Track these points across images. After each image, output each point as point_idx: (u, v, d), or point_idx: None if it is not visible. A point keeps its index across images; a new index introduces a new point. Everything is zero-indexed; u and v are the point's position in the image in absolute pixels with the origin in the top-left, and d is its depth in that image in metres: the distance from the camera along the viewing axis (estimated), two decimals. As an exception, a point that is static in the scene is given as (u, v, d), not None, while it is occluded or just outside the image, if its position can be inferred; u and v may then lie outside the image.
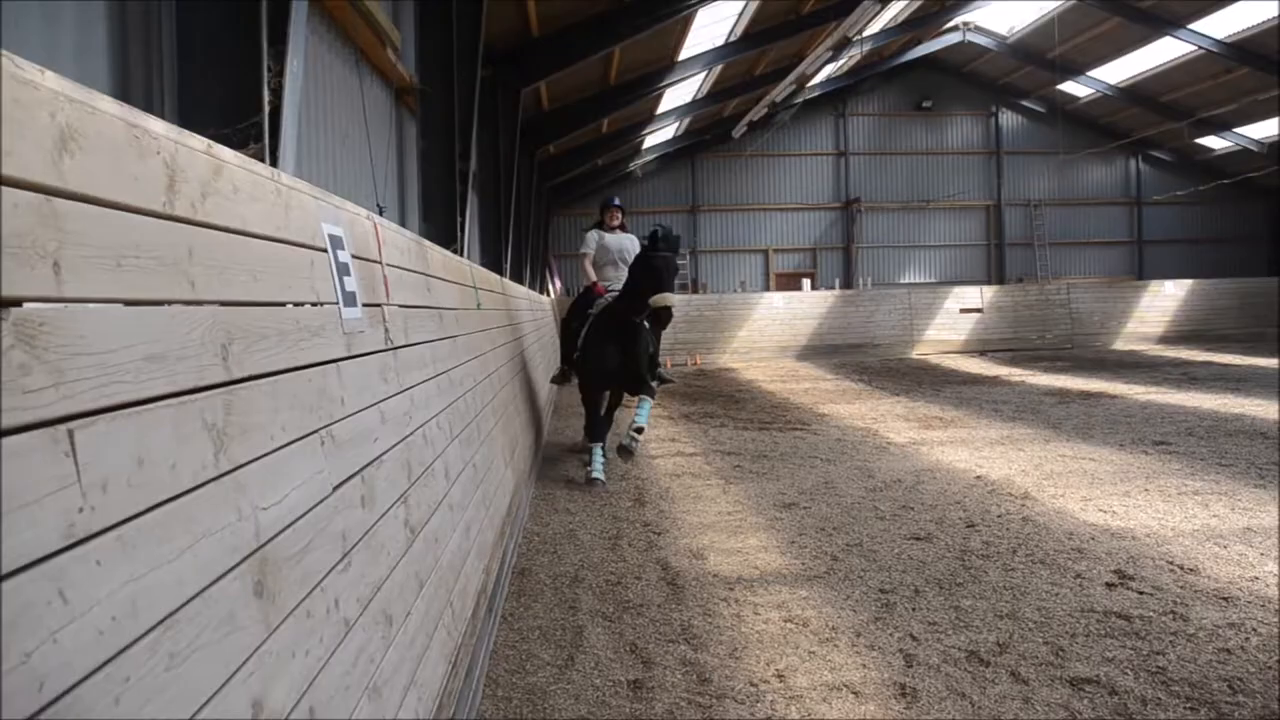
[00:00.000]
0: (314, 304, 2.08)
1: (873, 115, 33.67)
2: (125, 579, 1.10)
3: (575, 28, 14.03)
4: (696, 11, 15.41)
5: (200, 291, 1.48)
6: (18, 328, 0.99)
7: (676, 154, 31.75)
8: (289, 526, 1.65)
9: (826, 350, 22.23)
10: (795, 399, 13.24)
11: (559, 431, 10.05)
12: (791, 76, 21.16)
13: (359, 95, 8.51)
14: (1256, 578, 4.25)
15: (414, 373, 3.05)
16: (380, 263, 2.84)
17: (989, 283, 30.30)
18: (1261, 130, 29.27)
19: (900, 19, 24.44)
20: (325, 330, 2.11)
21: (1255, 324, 23.73)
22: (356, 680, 1.85)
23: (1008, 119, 34.03)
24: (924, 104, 33.36)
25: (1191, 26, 23.81)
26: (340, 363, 2.18)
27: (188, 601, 1.24)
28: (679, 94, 23.45)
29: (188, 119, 4.12)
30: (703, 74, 21.13)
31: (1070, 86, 30.22)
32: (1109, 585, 4.23)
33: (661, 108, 24.12)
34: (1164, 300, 24.09)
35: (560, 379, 8.14)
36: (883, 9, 16.09)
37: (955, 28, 28.94)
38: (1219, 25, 23.64)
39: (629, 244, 7.91)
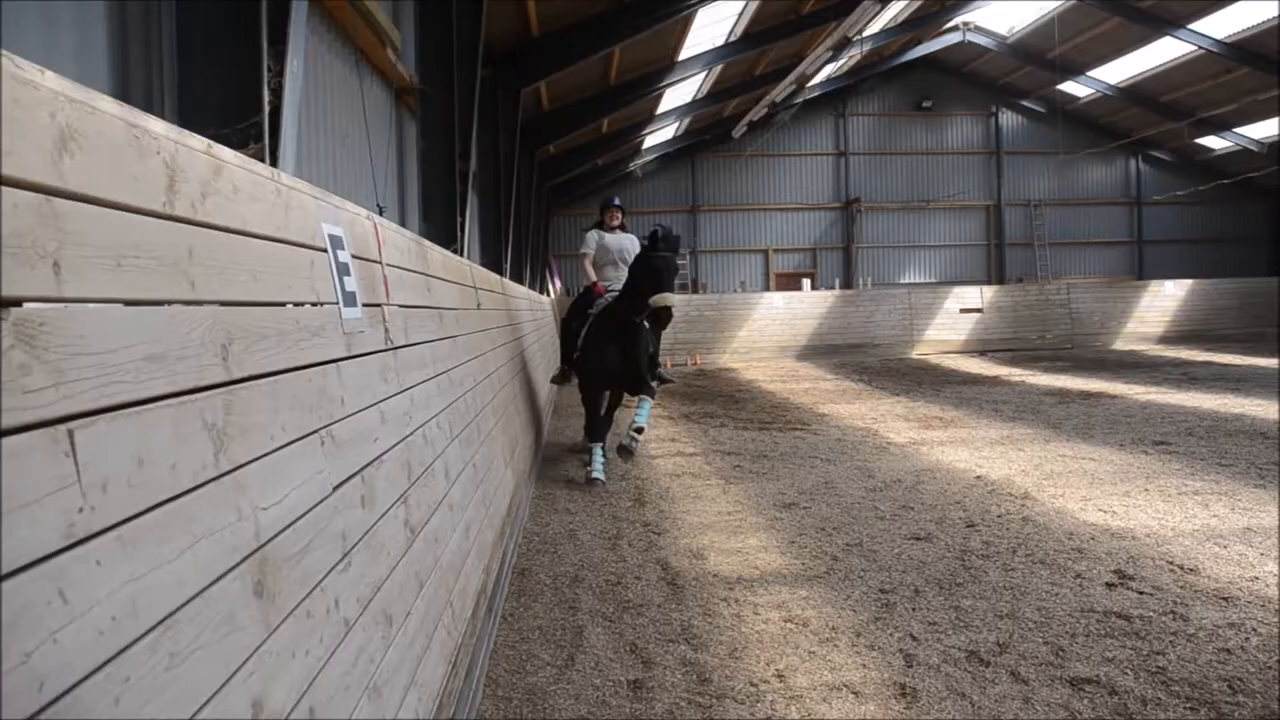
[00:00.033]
0: (314, 304, 2.08)
1: (873, 115, 33.67)
2: (125, 579, 1.10)
3: (575, 28, 14.04)
4: (696, 11, 15.41)
5: (200, 291, 1.48)
6: (18, 328, 0.99)
7: (676, 154, 31.75)
8: (289, 526, 1.65)
9: (826, 350, 22.23)
10: (795, 399, 13.24)
11: (559, 431, 10.05)
12: (791, 76, 21.17)
13: (359, 95, 8.51)
14: (1256, 578, 4.25)
15: (414, 373, 3.05)
16: (380, 263, 2.84)
17: (989, 283, 30.31)
18: (1261, 130, 29.28)
19: (900, 19, 24.44)
20: (325, 330, 2.11)
21: (1255, 324, 23.73)
22: (356, 680, 1.85)
23: (1008, 119, 34.04)
24: (924, 104, 33.36)
25: (1191, 26, 23.81)
26: (340, 363, 2.18)
27: (188, 601, 1.24)
28: (679, 94, 23.45)
29: (188, 119, 4.12)
30: (703, 74, 21.13)
31: (1070, 86, 30.22)
32: (1109, 585, 4.23)
33: (661, 108, 24.12)
34: (1164, 300, 24.09)
35: (560, 379, 8.12)
36: (883, 9, 16.09)
37: (955, 28, 28.94)
38: (1219, 25, 23.64)
39: (629, 244, 7.89)
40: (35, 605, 0.94)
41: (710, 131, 30.30)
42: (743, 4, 17.88)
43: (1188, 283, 24.71)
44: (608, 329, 7.15)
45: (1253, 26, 23.01)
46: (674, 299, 6.74)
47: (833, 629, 3.80)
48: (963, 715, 2.98)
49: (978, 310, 23.18)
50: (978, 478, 6.84)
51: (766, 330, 22.34)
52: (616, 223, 8.01)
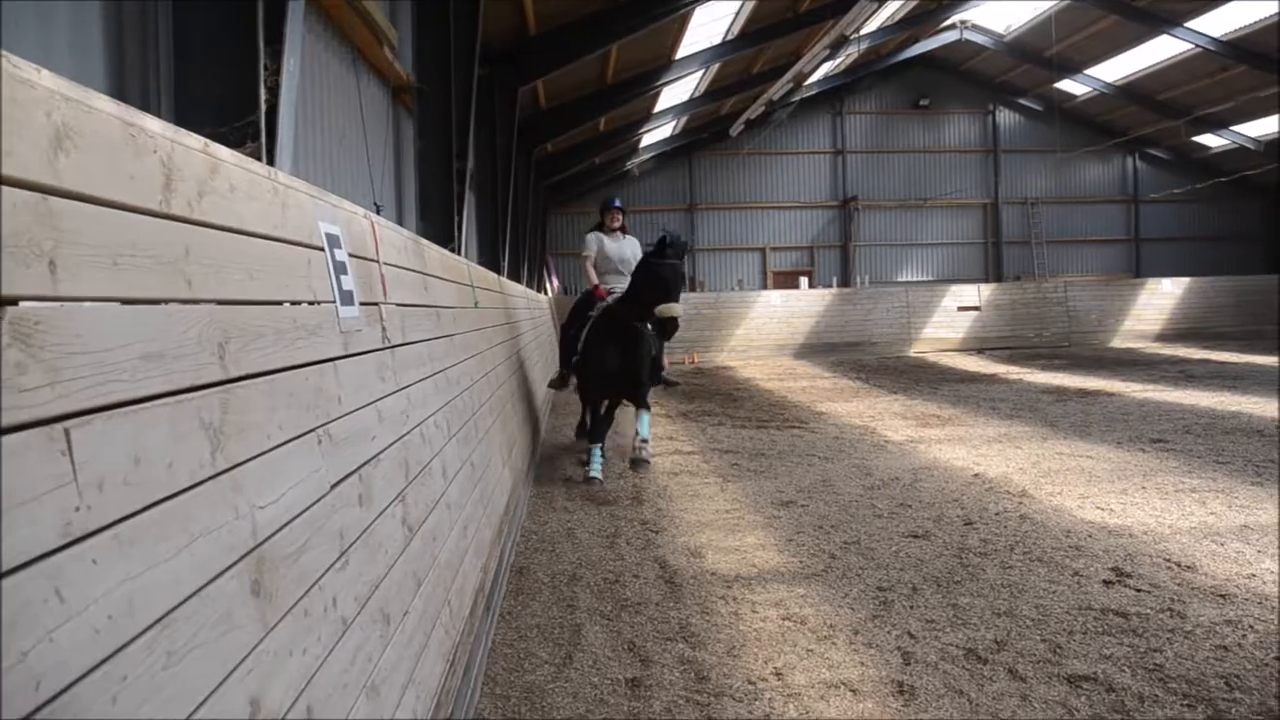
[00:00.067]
0: (311, 303, 2.07)
1: (870, 113, 33.69)
2: (122, 578, 1.10)
3: (572, 26, 14.03)
4: (693, 10, 15.41)
5: (197, 290, 1.48)
6: (13, 326, 0.99)
7: (674, 152, 31.77)
8: (286, 525, 1.65)
9: (824, 348, 22.23)
10: (793, 397, 13.25)
11: (557, 430, 10.05)
12: (789, 75, 21.18)
13: (356, 94, 8.50)
14: (1253, 575, 4.26)
15: (411, 371, 3.04)
16: (377, 261, 2.83)
17: (986, 281, 30.36)
18: (1258, 128, 29.33)
19: (897, 17, 24.47)
20: (322, 329, 2.11)
21: (1252, 321, 23.75)
22: (354, 679, 1.85)
23: (1005, 117, 34.07)
24: (921, 102, 33.39)
25: (1188, 24, 23.86)
26: (337, 361, 2.18)
27: (185, 600, 1.24)
28: (676, 92, 23.46)
29: (184, 118, 4.12)
30: (700, 72, 21.14)
31: (1067, 84, 30.24)
32: (1106, 583, 4.24)
33: (659, 106, 24.13)
34: (1161, 298, 24.10)
35: (559, 384, 7.88)
36: (879, 7, 16.10)
37: (952, 26, 28.96)
38: (1216, 23, 23.68)
39: (629, 251, 7.70)
40: (32, 604, 0.94)
41: (707, 130, 30.31)
42: (740, 2, 17.88)
43: (1185, 280, 24.73)
44: (608, 332, 6.95)
45: (1250, 25, 23.06)
46: (680, 309, 6.48)
47: (830, 627, 3.80)
48: (960, 713, 2.98)
49: (975, 308, 23.20)
50: (975, 475, 6.85)
51: (764, 328, 22.35)
52: (617, 225, 7.78)
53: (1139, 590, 4.11)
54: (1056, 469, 6.98)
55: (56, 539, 1.00)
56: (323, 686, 1.67)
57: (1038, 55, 28.41)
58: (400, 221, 9.80)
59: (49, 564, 0.98)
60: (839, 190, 33.45)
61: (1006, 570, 4.49)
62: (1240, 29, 23.47)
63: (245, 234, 1.74)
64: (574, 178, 28.31)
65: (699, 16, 16.93)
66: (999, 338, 22.86)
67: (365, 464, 2.23)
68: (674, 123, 27.56)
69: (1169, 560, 4.54)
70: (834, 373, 17.67)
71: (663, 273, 6.39)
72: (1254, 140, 29.97)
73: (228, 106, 4.20)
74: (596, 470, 6.95)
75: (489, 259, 13.72)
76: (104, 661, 1.04)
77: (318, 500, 1.83)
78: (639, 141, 28.29)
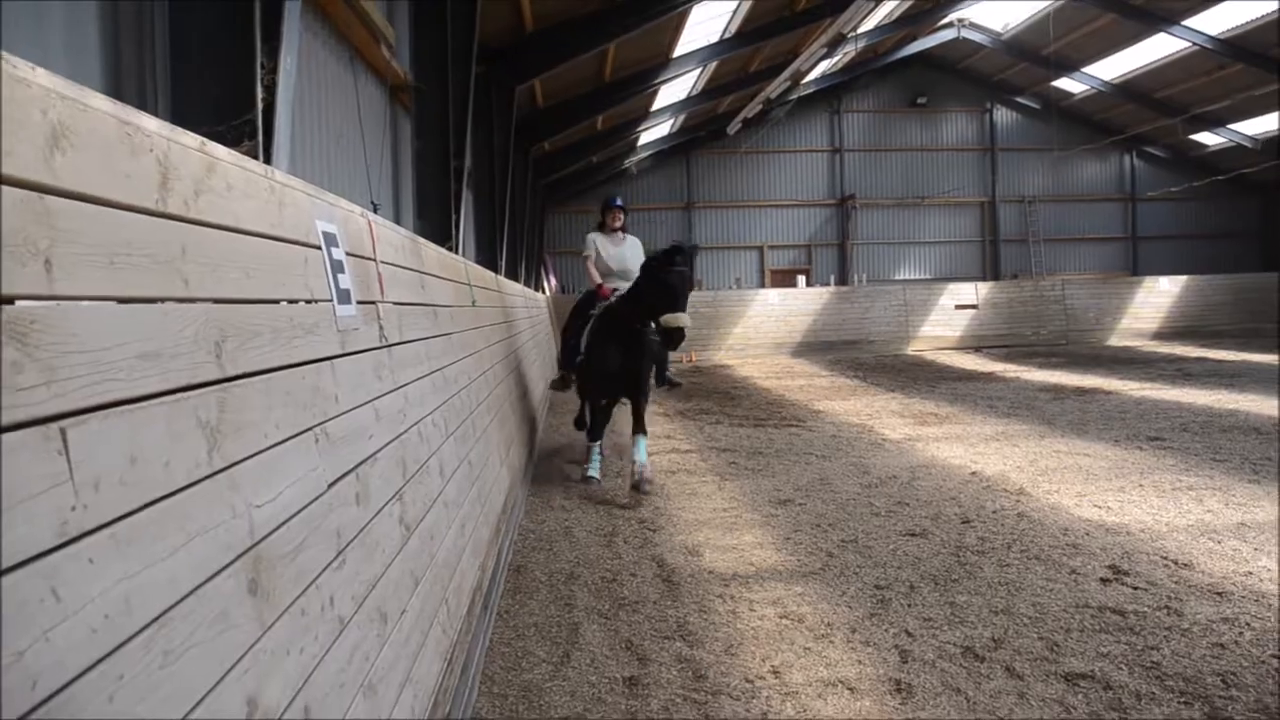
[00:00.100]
0: (308, 301, 2.07)
1: (867, 112, 33.70)
2: (118, 577, 1.10)
3: (569, 25, 14.02)
4: (690, 9, 15.40)
5: (194, 289, 1.48)
6: (10, 326, 0.99)
7: (671, 151, 31.77)
8: (283, 524, 1.64)
9: (822, 347, 22.23)
10: (790, 395, 13.25)
11: (555, 428, 10.05)
12: (786, 73, 21.18)
13: (353, 93, 8.49)
14: (1250, 572, 4.27)
15: (408, 370, 3.04)
16: (375, 260, 2.83)
17: (984, 279, 30.37)
18: (1255, 126, 29.37)
19: (894, 15, 24.47)
20: (319, 327, 2.11)
21: (1249, 319, 23.77)
22: (351, 678, 1.85)
23: (1002, 115, 34.09)
24: (919, 100, 33.40)
25: (1185, 23, 23.89)
26: (334, 360, 2.17)
27: (181, 599, 1.23)
28: (673, 91, 23.44)
29: (181, 116, 4.11)
30: (697, 71, 21.13)
31: (1065, 83, 30.26)
32: (1104, 581, 4.24)
33: (656, 105, 24.12)
34: (1158, 296, 24.12)
35: (560, 385, 7.70)
36: (877, 6, 16.10)
37: (950, 24, 28.98)
38: (1213, 22, 23.72)
39: (630, 254, 7.44)
40: (29, 604, 0.94)
41: (705, 128, 30.32)
42: (737, 1, 17.87)
43: (1182, 279, 24.75)
44: (611, 332, 6.73)
45: (1247, 23, 23.11)
46: (687, 319, 6.19)
47: (828, 625, 3.80)
48: (958, 711, 2.99)
49: (973, 306, 23.21)
50: (973, 474, 6.85)
51: (762, 327, 22.35)
52: (618, 224, 7.49)
53: (1136, 588, 4.12)
54: (1054, 467, 6.99)
55: (53, 538, 1.00)
56: (320, 686, 1.66)
57: (1035, 53, 28.42)
58: (398, 220, 9.79)
59: (45, 563, 0.98)
60: (836, 189, 33.46)
61: (1004, 568, 4.49)
62: (1237, 27, 23.51)
63: (242, 233, 1.73)
64: (571, 176, 28.30)
65: (696, 15, 16.92)
66: (996, 336, 22.88)
67: (362, 463, 2.23)
68: (671, 121, 27.56)
69: (1166, 558, 4.55)
70: (831, 371, 17.68)
71: (671, 280, 6.13)
72: (1251, 138, 30.01)
73: (224, 105, 4.19)
74: (595, 470, 6.95)
75: (486, 258, 13.72)
76: (101, 661, 1.04)
77: (315, 499, 1.83)
78: (636, 140, 28.28)
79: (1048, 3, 25.19)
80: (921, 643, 3.57)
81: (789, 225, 33.40)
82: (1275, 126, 28.44)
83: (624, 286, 7.02)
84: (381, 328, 2.73)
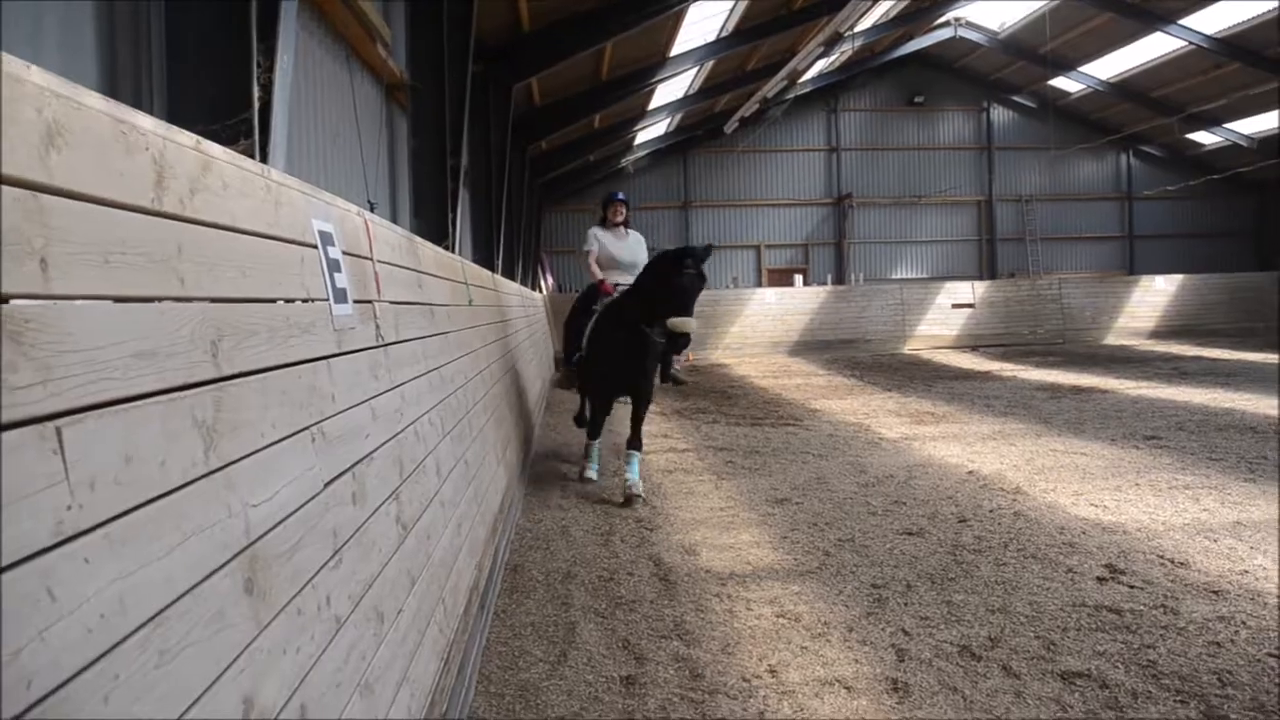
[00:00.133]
0: (304, 300, 2.07)
1: (864, 111, 33.74)
2: (114, 576, 1.10)
3: (566, 23, 14.03)
4: (687, 7, 15.40)
5: (189, 288, 1.48)
6: (4, 325, 0.99)
7: (668, 150, 31.78)
8: (280, 523, 1.64)
9: (819, 346, 22.23)
10: (787, 394, 13.26)
11: (552, 427, 10.05)
12: (783, 72, 21.17)
13: (349, 91, 8.49)
14: (1246, 571, 4.27)
15: (405, 369, 3.04)
16: (371, 259, 2.83)
17: (981, 278, 30.39)
18: (1251, 125, 29.43)
19: (891, 14, 24.49)
20: (316, 327, 2.10)
21: (1245, 319, 23.81)
22: (348, 677, 1.85)
23: (999, 114, 34.14)
24: (916, 99, 33.44)
25: (1182, 22, 23.93)
26: (331, 359, 2.17)
27: (178, 599, 1.23)
28: (671, 90, 23.46)
29: (177, 115, 4.10)
30: (694, 70, 21.13)
31: (1061, 82, 30.32)
32: (1100, 579, 4.25)
33: (653, 103, 24.13)
34: (1154, 295, 24.14)
35: (564, 383, 7.61)
36: (874, 4, 16.11)
37: (947, 23, 29.01)
38: (1209, 21, 23.76)
39: (632, 246, 7.35)
40: (24, 603, 0.94)
41: (702, 127, 30.34)
42: (733, 0, 17.88)
43: (1178, 278, 24.78)
44: (613, 330, 6.55)
45: (1243, 22, 23.16)
46: (694, 324, 6.08)
47: (825, 624, 3.81)
48: (955, 710, 2.99)
49: (969, 305, 23.22)
50: (969, 473, 6.86)
51: (758, 326, 22.35)
52: (620, 218, 7.37)
53: (1132, 587, 4.12)
54: (1051, 466, 7.00)
55: (48, 538, 1.00)
56: (316, 685, 1.66)
57: (1032, 52, 28.45)
58: (394, 219, 9.79)
59: (41, 563, 0.98)
60: (833, 188, 33.49)
61: (1000, 567, 4.50)
62: (1233, 26, 23.57)
63: (238, 231, 1.73)
64: (568, 175, 28.31)
65: (693, 14, 16.93)
66: (993, 335, 22.89)
67: (359, 462, 2.22)
68: (668, 120, 27.57)
69: (1162, 557, 4.55)
70: (828, 370, 17.69)
71: (683, 283, 5.97)
72: (1247, 137, 30.07)
73: (220, 104, 4.19)
74: (593, 471, 6.94)
75: (483, 256, 13.71)
76: (96, 660, 1.04)
77: (311, 498, 1.83)
78: (633, 139, 28.29)
79: (1044, 2, 25.22)
80: (918, 641, 3.57)
81: (786, 224, 33.43)
82: (1271, 125, 28.50)
83: (626, 281, 6.96)
84: (378, 327, 2.72)
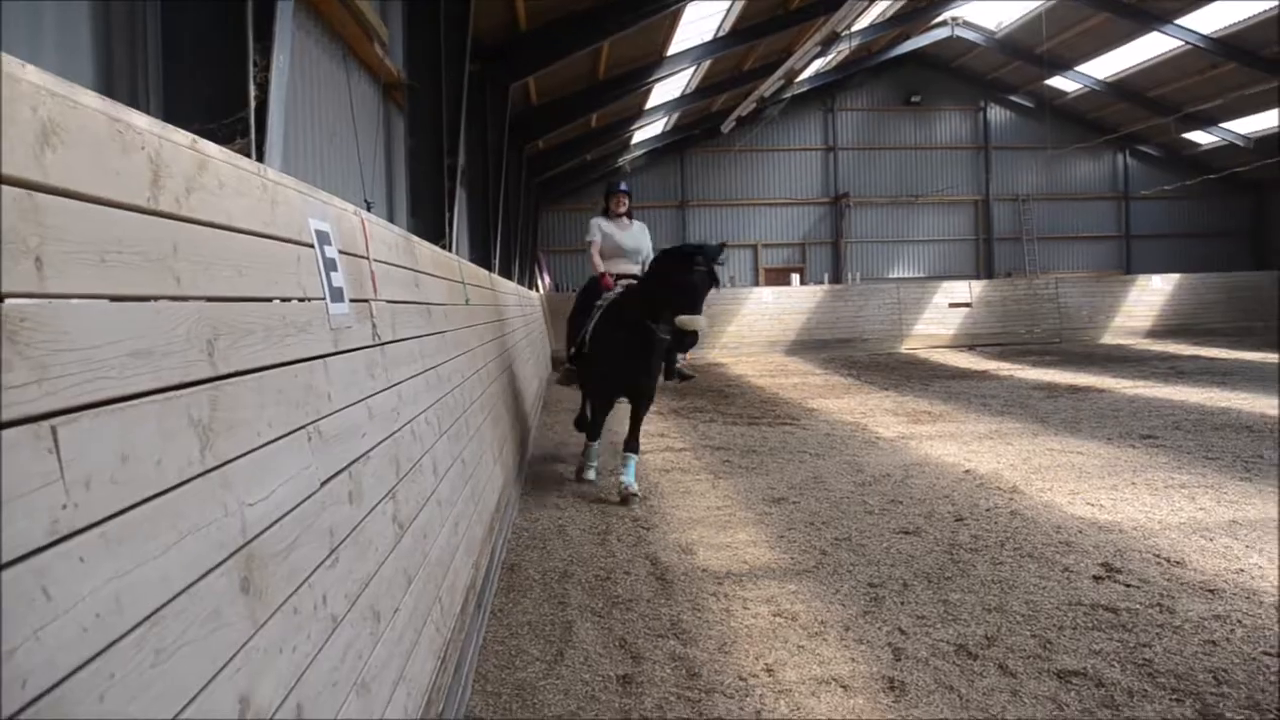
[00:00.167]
0: (301, 299, 2.07)
1: (861, 110, 33.75)
2: (109, 575, 1.10)
3: (563, 23, 14.02)
4: (684, 7, 15.40)
5: (185, 287, 1.47)
6: (0, 324, 0.99)
7: (665, 149, 31.78)
8: (276, 522, 1.64)
9: (815, 345, 22.24)
10: (784, 394, 13.26)
11: (549, 427, 10.05)
12: (780, 72, 21.18)
13: (346, 91, 8.48)
14: (1242, 570, 4.28)
15: (402, 368, 3.04)
16: (368, 258, 2.83)
17: (977, 277, 30.40)
18: (1247, 125, 29.47)
19: (888, 14, 24.50)
20: (312, 326, 2.10)
21: (1242, 318, 23.85)
22: (344, 676, 1.85)
23: (996, 114, 34.15)
24: (912, 99, 33.45)
25: (1179, 22, 23.96)
26: (327, 358, 2.17)
27: (173, 598, 1.23)
28: (668, 89, 23.45)
29: (173, 114, 4.09)
30: (691, 69, 21.14)
31: (1058, 81, 30.35)
32: (1096, 578, 4.25)
33: (650, 103, 24.13)
34: (1151, 295, 24.18)
35: (565, 380, 7.48)
36: (871, 4, 16.11)
37: (943, 23, 29.04)
38: (1206, 21, 23.79)
39: (635, 236, 7.23)
40: (19, 602, 0.94)
41: (699, 127, 30.34)
42: (730, 0, 17.88)
43: (1175, 277, 24.82)
44: (616, 327, 6.43)
45: (1239, 22, 23.20)
46: (704, 322, 5.97)
47: (821, 623, 3.81)
48: (951, 708, 2.99)
49: (966, 305, 23.25)
50: (966, 472, 6.87)
51: (755, 325, 22.36)
52: (623, 210, 7.26)
53: (1128, 586, 4.13)
54: (1047, 465, 7.01)
55: (44, 537, 1.00)
56: (312, 684, 1.66)
57: (1029, 52, 28.48)
58: (391, 218, 9.79)
59: (36, 562, 0.98)
60: (830, 187, 33.50)
61: (997, 566, 4.50)
62: (1229, 26, 23.60)
63: (234, 230, 1.73)
64: (566, 174, 28.30)
65: (690, 13, 16.93)
66: (990, 334, 22.92)
67: (355, 461, 2.22)
68: (665, 119, 27.57)
69: (1158, 556, 4.56)
70: (825, 369, 17.70)
71: (694, 280, 5.86)
72: (1243, 137, 30.11)
73: (217, 103, 4.18)
74: (591, 472, 6.93)
75: (480, 256, 13.70)
76: (92, 659, 1.03)
77: (307, 497, 1.83)
78: (630, 138, 28.29)
79: (1041, 1, 25.24)
80: (915, 640, 3.58)
81: (783, 224, 33.43)
82: (1267, 125, 28.54)
83: (630, 269, 6.94)
84: (375, 326, 2.72)
